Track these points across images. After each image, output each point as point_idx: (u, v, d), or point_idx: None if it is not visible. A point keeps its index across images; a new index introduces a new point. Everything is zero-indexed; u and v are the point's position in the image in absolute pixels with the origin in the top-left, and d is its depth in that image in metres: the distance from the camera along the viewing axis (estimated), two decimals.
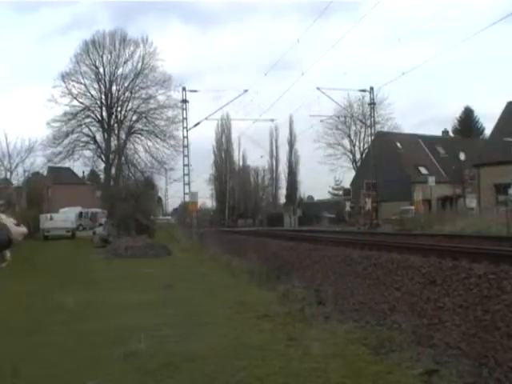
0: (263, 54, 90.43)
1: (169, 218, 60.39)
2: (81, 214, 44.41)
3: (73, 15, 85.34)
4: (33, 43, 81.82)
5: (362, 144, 56.19)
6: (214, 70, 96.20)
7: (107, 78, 44.75)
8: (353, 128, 57.13)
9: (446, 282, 8.30)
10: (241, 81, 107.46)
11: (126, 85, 45.06)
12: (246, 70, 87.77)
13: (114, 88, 45.06)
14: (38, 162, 45.08)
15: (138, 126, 46.08)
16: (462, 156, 40.87)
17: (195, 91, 37.64)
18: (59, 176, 54.68)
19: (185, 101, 37.30)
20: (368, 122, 44.82)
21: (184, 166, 37.17)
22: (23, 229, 1.89)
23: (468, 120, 63.75)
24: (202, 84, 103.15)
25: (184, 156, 37.39)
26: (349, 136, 57.71)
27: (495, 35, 78.87)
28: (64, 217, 35.83)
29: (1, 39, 73.16)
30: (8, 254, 1.92)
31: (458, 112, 65.07)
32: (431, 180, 36.15)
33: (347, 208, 47.18)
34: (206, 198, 66.28)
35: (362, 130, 54.28)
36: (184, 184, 37.16)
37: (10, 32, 76.71)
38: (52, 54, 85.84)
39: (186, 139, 37.42)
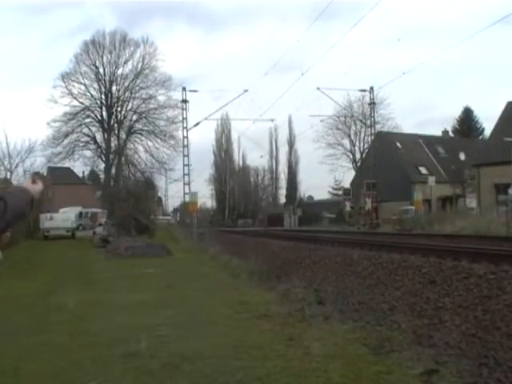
0: (267, 56, 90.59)
1: (169, 218, 60.38)
2: (81, 214, 44.38)
3: (80, 19, 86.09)
4: (38, 45, 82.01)
5: (361, 144, 56.14)
6: (218, 72, 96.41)
7: (107, 78, 44.73)
8: (353, 128, 57.08)
9: (445, 282, 8.30)
10: (242, 81, 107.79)
11: (126, 85, 45.05)
12: (250, 72, 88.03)
13: (114, 88, 45.05)
14: (38, 163, 45.06)
15: (138, 126, 46.08)
16: (462, 156, 40.87)
17: (195, 91, 37.69)
18: (59, 176, 54.67)
19: (185, 101, 37.33)
20: (368, 122, 44.81)
21: (184, 165, 37.22)
22: (40, 186, 1.82)
23: (468, 120, 63.73)
24: (205, 85, 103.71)
25: (184, 156, 37.44)
26: (349, 136, 57.66)
27: (495, 35, 78.97)
28: (64, 217, 35.82)
29: (6, 40, 73.33)
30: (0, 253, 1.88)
31: (457, 112, 65.16)
32: (431, 180, 36.14)
33: (347, 208, 47.17)
34: (206, 198, 66.38)
35: (362, 130, 54.20)
36: (184, 184, 37.19)
37: (14, 33, 76.94)
38: (56, 56, 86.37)
39: (186, 139, 37.47)
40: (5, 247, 1.86)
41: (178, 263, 17.07)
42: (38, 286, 11.52)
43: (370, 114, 42.16)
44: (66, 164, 47.04)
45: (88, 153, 45.46)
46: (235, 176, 67.29)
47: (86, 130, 45.06)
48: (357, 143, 57.31)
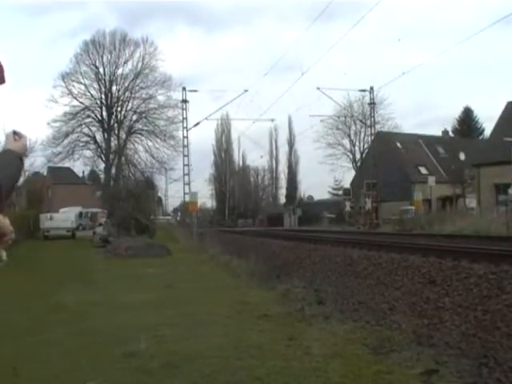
0: (267, 56, 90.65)
1: (169, 217, 60.37)
2: (81, 213, 44.39)
3: (80, 19, 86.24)
4: (38, 45, 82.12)
5: (362, 144, 56.17)
6: (218, 72, 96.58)
7: (107, 78, 44.74)
8: (353, 128, 57.11)
9: (445, 282, 8.30)
10: (242, 81, 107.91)
11: (126, 85, 45.04)
12: (250, 72, 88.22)
13: (114, 88, 45.05)
14: (38, 162, 45.06)
15: (138, 125, 46.08)
16: (462, 156, 40.85)
17: (195, 91, 37.72)
18: (59, 176, 54.70)
19: (185, 101, 37.35)
20: (368, 122, 44.82)
21: (184, 165, 37.24)
22: (23, 140, 1.69)
23: (468, 120, 63.72)
24: (205, 85, 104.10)
25: (184, 156, 37.46)
26: (349, 136, 57.68)
27: (495, 35, 79.03)
28: (64, 217, 35.83)
29: (6, 40, 73.37)
30: (3, 253, 1.83)
31: (457, 112, 65.13)
32: (431, 180, 36.13)
33: (347, 208, 47.18)
34: (206, 198, 66.39)
35: (362, 129, 54.22)
36: (184, 184, 37.21)
37: (15, 33, 76.98)
38: (57, 56, 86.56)
39: (186, 139, 37.48)
40: (8, 247, 1.83)
41: (178, 263, 17.06)
42: (38, 286, 11.51)
43: (370, 114, 42.20)
44: (66, 164, 47.11)
45: (88, 153, 45.52)
46: (235, 176, 67.29)
47: (86, 130, 45.12)
48: (357, 143, 57.38)
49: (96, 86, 44.80)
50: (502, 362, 5.01)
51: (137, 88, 45.02)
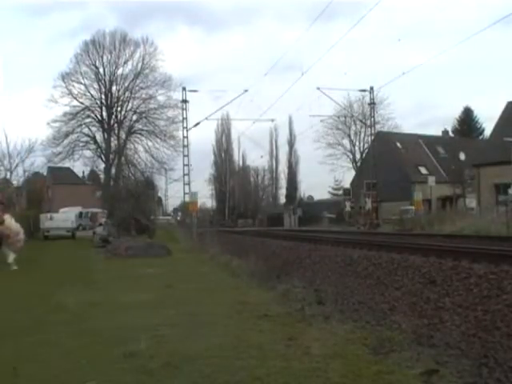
0: (267, 56, 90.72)
1: (169, 217, 60.39)
2: (81, 213, 44.38)
3: (80, 19, 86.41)
4: (38, 45, 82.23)
5: (361, 144, 56.29)
6: (218, 72, 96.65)
7: (107, 78, 44.80)
8: (353, 128, 57.22)
9: (445, 282, 8.31)
10: (242, 81, 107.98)
11: (126, 85, 45.12)
12: (250, 72, 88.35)
13: (114, 88, 45.12)
14: (38, 162, 45.15)
15: (138, 126, 46.16)
16: (462, 156, 40.88)
17: (195, 91, 37.73)
18: (59, 176, 54.73)
19: (185, 101, 37.35)
20: (368, 122, 44.84)
21: (184, 166, 37.24)
22: None
23: (468, 120, 63.74)
24: (205, 85, 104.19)
25: (184, 156, 37.46)
26: (349, 136, 57.78)
27: (495, 35, 79.04)
28: (64, 217, 35.83)
29: (6, 40, 73.44)
30: (12, 256, 1.77)
31: (457, 112, 65.15)
32: (431, 180, 36.14)
33: (347, 208, 47.20)
34: (206, 197, 66.44)
35: (362, 129, 54.36)
36: (184, 184, 37.21)
37: (15, 33, 77.10)
38: (57, 56, 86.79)
39: (186, 139, 37.48)
40: (18, 249, 1.78)
41: (178, 263, 17.06)
42: (38, 286, 11.51)
43: (370, 114, 42.22)
44: (66, 164, 47.28)
45: (88, 153, 45.63)
46: (235, 176, 67.36)
47: (86, 130, 45.21)
48: (357, 143, 57.49)
49: (96, 86, 44.92)
50: (502, 362, 5.01)
51: (137, 88, 45.13)
